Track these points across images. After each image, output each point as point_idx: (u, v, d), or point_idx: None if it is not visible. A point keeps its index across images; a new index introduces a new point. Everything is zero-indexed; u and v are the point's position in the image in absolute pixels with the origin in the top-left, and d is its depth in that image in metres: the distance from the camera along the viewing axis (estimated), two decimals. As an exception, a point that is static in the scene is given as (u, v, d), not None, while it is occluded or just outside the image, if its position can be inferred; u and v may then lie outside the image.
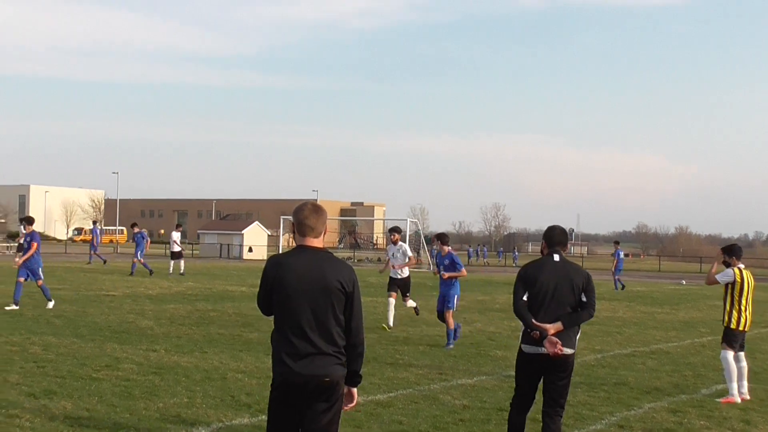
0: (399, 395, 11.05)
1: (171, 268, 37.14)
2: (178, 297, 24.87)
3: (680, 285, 45.41)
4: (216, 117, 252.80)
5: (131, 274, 35.18)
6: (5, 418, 8.82)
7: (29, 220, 20.69)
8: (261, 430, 8.58)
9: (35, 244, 19.95)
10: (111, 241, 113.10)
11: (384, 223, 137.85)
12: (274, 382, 5.45)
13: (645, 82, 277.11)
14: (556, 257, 7.46)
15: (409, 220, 71.76)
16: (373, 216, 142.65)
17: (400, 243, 18.29)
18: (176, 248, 38.17)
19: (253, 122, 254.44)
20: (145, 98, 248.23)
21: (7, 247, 70.25)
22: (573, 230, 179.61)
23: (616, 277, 37.88)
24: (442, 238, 16.80)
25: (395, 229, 18.77)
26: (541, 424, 7.41)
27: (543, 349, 7.13)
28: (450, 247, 16.50)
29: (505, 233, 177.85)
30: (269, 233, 75.78)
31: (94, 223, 49.83)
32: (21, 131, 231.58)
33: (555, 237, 7.64)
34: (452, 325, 15.77)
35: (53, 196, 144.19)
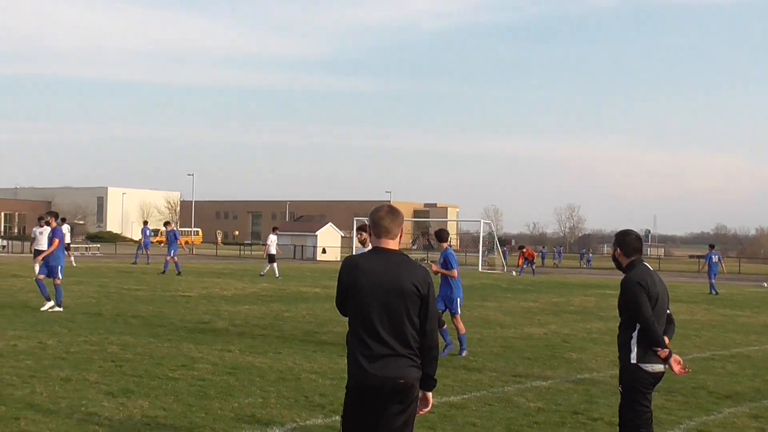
0: (472, 397, 10.99)
1: (265, 270, 37.83)
2: (252, 298, 25.08)
3: (761, 288, 44.39)
4: (288, 120, 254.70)
5: (163, 272, 35.80)
6: (85, 416, 8.98)
7: (54, 215, 20.26)
8: (334, 430, 8.63)
9: (57, 241, 19.37)
10: (186, 242, 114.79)
11: (458, 225, 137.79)
12: (349, 384, 5.44)
13: (725, 81, 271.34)
14: (649, 266, 7.12)
15: (482, 221, 71.62)
16: (446, 217, 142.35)
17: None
18: (272, 251, 38.14)
19: (326, 124, 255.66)
20: (221, 102, 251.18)
21: (87, 248, 71.53)
22: (649, 231, 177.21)
23: (712, 281, 36.63)
24: (439, 235, 15.56)
25: (362, 228, 16.41)
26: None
27: (665, 366, 6.95)
28: (447, 244, 15.25)
29: (580, 234, 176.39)
30: (342, 234, 76.04)
31: (145, 223, 49.47)
32: (99, 135, 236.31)
33: (633, 243, 7.27)
34: (463, 329, 14.95)
35: (130, 198, 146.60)
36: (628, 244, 7.18)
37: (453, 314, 14.89)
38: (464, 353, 14.61)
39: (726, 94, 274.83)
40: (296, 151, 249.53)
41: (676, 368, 6.86)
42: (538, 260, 65.90)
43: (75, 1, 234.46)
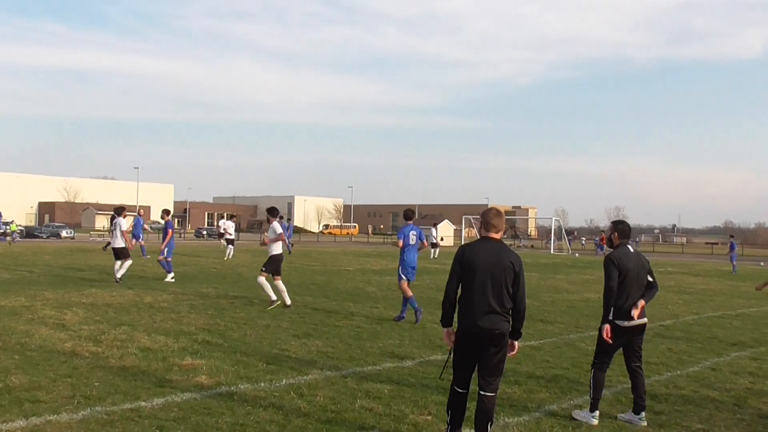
0: (546, 342, 10.78)
1: (432, 254, 37.62)
2: (393, 271, 25.20)
3: (759, 266, 42.58)
4: (417, 147, 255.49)
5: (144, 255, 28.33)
6: (279, 351, 9.16)
7: (167, 212, 19.66)
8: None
9: (171, 231, 19.17)
10: (348, 233, 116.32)
11: (535, 221, 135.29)
12: (459, 330, 5.44)
13: (729, 114, 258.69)
14: (631, 247, 6.66)
15: (553, 218, 70.14)
16: (527, 216, 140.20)
17: (274, 223, 13.84)
18: (433, 240, 37.89)
19: (442, 150, 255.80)
20: (371, 136, 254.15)
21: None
22: (675, 225, 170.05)
23: (734, 262, 34.29)
24: (405, 214, 12.83)
25: (270, 211, 14.10)
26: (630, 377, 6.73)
27: (632, 322, 6.48)
28: (411, 222, 12.64)
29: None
30: (455, 228, 75.75)
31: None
32: (287, 160, 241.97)
33: (625, 230, 6.81)
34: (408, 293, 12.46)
35: (309, 203, 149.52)
36: (622, 230, 6.80)
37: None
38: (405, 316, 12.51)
39: (731, 122, 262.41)
40: (422, 169, 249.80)
41: (637, 314, 6.47)
42: (591, 247, 64.18)
43: (272, 68, 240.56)
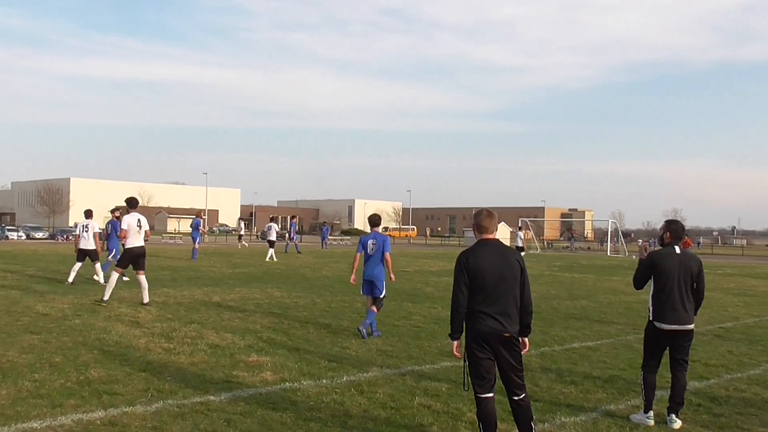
0: (604, 343, 10.55)
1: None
2: (450, 273, 25.10)
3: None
4: (473, 151, 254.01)
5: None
6: (340, 349, 9.22)
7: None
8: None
9: (119, 233, 16.16)
10: (406, 235, 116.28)
11: (592, 223, 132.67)
12: (469, 334, 5.20)
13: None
14: (677, 249, 6.35)
15: (610, 220, 68.77)
16: (583, 218, 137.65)
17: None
18: (519, 243, 37.47)
19: (498, 155, 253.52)
20: (427, 141, 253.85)
21: (341, 239, 73.75)
22: (735, 227, 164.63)
23: None
24: (370, 219, 10.78)
25: (128, 202, 13.39)
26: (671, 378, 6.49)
27: (671, 325, 6.24)
28: (376, 229, 10.62)
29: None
30: (511, 230, 75.03)
31: (294, 218, 41.97)
32: (347, 165, 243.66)
33: (680, 231, 6.47)
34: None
35: (369, 206, 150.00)
36: (674, 231, 6.45)
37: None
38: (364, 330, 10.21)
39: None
40: (479, 173, 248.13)
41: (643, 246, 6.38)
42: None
43: (333, 76, 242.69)
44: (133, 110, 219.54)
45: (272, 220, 34.64)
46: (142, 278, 13.18)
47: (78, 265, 16.84)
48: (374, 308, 10.33)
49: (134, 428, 5.55)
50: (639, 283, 6.53)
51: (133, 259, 13.21)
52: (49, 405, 6.08)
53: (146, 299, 12.98)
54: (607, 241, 63.24)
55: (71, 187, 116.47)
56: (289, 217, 41.28)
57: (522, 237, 38.50)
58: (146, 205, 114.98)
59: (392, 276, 10.49)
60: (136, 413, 5.94)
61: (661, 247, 6.55)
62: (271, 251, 30.47)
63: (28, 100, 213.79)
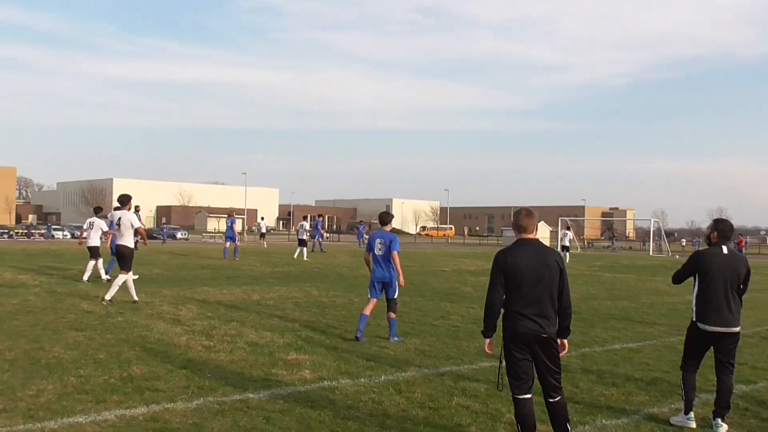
0: (646, 344, 10.37)
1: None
2: (488, 273, 24.92)
3: None
4: (512, 149, 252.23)
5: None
6: (378, 348, 9.22)
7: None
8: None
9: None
10: (444, 235, 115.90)
11: (633, 222, 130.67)
12: (506, 334, 5.12)
13: None
14: (725, 249, 6.19)
15: (652, 220, 67.68)
16: (625, 218, 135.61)
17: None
18: (566, 243, 36.89)
19: (538, 153, 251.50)
20: (465, 141, 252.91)
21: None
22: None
23: None
24: (382, 218, 10.35)
25: (120, 200, 13.44)
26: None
27: (713, 327, 6.10)
28: (385, 227, 10.19)
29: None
30: (551, 229, 74.22)
31: (320, 216, 42.43)
32: (385, 164, 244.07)
33: (728, 231, 6.31)
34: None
35: (407, 205, 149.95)
36: (722, 230, 6.28)
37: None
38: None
39: None
40: (518, 172, 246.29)
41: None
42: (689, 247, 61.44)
43: (371, 76, 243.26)
44: (174, 111, 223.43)
45: (305, 219, 34.75)
46: (122, 276, 12.87)
47: (91, 263, 17.14)
48: (392, 315, 9.95)
49: (175, 424, 5.62)
50: (678, 278, 6.47)
51: (119, 257, 13.25)
52: (93, 400, 6.20)
53: (109, 297, 12.59)
54: (649, 241, 62.25)
55: (114, 188, 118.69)
56: (316, 216, 41.12)
57: (571, 237, 37.76)
58: (186, 204, 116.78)
59: (402, 280, 9.94)
60: (177, 410, 6.02)
61: (707, 247, 6.41)
62: (300, 249, 30.76)
63: (72, 103, 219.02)
